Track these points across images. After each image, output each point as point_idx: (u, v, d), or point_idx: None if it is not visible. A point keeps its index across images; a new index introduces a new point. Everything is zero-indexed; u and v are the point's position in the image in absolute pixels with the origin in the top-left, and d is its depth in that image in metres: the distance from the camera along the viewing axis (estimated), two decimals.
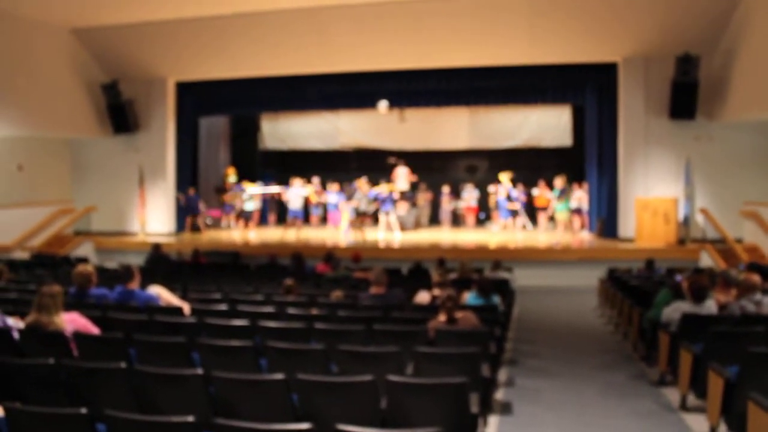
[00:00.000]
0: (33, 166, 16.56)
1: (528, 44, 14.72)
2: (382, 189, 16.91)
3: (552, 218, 17.48)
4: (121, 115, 16.92)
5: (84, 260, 11.78)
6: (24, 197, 15.99)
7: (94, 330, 5.42)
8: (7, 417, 3.47)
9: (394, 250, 14.56)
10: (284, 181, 18.11)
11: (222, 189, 19.16)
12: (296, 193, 16.63)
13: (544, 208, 17.42)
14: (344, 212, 16.79)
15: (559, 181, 15.58)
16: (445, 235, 17.34)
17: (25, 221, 15.87)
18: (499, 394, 6.33)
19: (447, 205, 19.22)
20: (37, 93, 14.94)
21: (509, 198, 17.33)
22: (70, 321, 5.30)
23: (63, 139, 17.44)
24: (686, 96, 14.12)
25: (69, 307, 5.63)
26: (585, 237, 16.15)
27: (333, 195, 17.62)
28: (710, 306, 6.42)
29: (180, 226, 17.55)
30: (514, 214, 17.54)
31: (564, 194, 16.25)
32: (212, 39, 15.57)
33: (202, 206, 18.01)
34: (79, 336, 5.18)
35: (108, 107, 16.88)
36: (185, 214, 17.60)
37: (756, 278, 6.61)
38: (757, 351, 4.77)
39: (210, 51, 15.97)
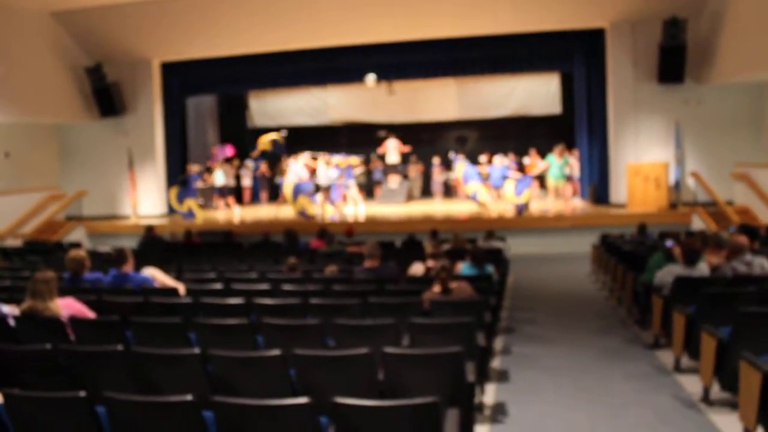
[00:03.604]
0: (20, 153, 16.43)
1: (514, 12, 14.63)
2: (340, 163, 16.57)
3: (543, 185, 17.50)
4: (106, 98, 16.77)
5: (77, 245, 11.74)
6: (13, 185, 15.87)
7: (90, 314, 5.42)
8: (7, 403, 3.48)
9: (387, 223, 14.57)
10: (274, 160, 18.06)
11: (210, 169, 19.04)
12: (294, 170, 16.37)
13: (536, 177, 17.41)
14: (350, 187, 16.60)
15: (558, 150, 15.48)
16: (437, 207, 17.36)
17: (16, 208, 15.79)
18: (496, 362, 6.39)
19: (438, 176, 19.22)
20: (20, 79, 14.75)
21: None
22: (66, 306, 5.30)
23: (50, 124, 17.29)
24: (674, 60, 14.09)
25: (63, 292, 5.63)
26: (577, 204, 16.18)
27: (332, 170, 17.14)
28: (702, 268, 6.47)
29: (172, 208, 17.46)
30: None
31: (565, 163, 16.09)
32: (196, 18, 15.39)
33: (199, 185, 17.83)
34: (75, 320, 5.18)
35: (93, 91, 16.71)
36: (188, 193, 17.32)
37: (743, 239, 6.65)
38: (749, 311, 4.83)
39: (194, 30, 15.79)
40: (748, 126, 14.42)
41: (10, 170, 15.95)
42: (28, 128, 16.61)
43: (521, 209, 14.29)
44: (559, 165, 15.39)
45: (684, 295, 5.99)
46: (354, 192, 16.65)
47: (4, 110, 14.45)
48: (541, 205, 15.97)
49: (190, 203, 16.25)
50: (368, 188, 19.36)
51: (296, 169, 15.72)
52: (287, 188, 15.52)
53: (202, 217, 16.03)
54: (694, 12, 13.86)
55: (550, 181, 15.80)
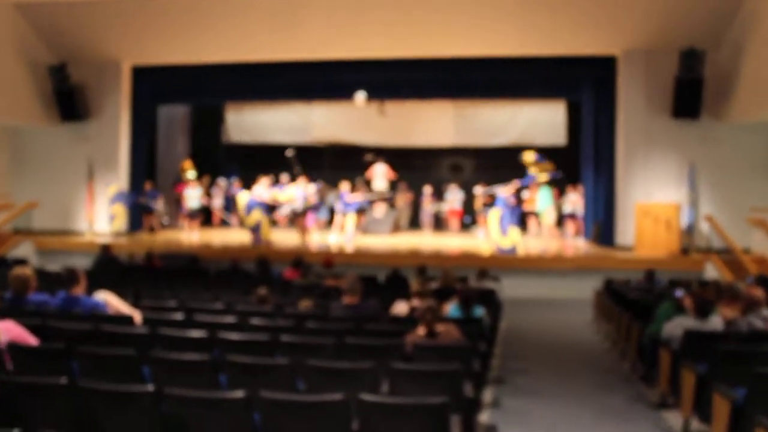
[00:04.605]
0: None
1: (520, 34, 14.79)
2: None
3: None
4: (69, 101, 16.73)
5: (23, 262, 11.58)
6: None
7: (32, 340, 5.31)
8: None
9: (369, 256, 14.53)
10: (249, 178, 17.99)
11: (180, 183, 18.98)
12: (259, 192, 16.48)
13: (536, 213, 17.49)
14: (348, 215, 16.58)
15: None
16: (426, 240, 17.34)
17: None
18: (484, 416, 6.31)
19: (428, 207, 19.23)
20: None
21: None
22: (5, 330, 5.18)
23: (2, 126, 17.18)
24: (690, 93, 14.27)
25: (4, 314, 5.54)
26: (580, 244, 16.22)
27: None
28: (715, 322, 6.45)
29: (134, 225, 17.35)
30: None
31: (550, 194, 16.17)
32: (174, 20, 15.43)
33: (159, 203, 17.81)
34: (14, 347, 5.07)
35: (55, 92, 16.67)
36: (142, 211, 17.44)
37: (759, 293, 6.65)
38: (766, 372, 4.79)
39: (171, 33, 15.83)
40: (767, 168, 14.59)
41: None
42: None
43: (510, 252, 14.25)
44: (543, 196, 15.34)
45: (695, 351, 5.95)
46: (350, 222, 16.61)
47: None
48: (540, 243, 16.00)
49: (118, 211, 16.29)
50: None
51: (259, 190, 15.93)
52: (241, 200, 15.91)
53: (116, 230, 16.39)
54: (714, 43, 14.08)
55: (542, 217, 15.80)
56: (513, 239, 14.26)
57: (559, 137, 19.21)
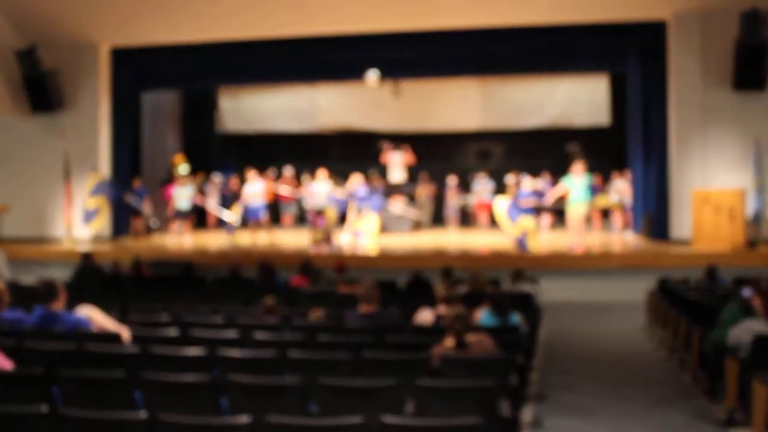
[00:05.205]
0: None
1: None
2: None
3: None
4: (40, 89, 16.82)
5: None
6: None
7: (6, 364, 5.36)
8: None
9: (388, 258, 14.54)
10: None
11: (170, 182, 19.07)
12: (252, 189, 16.53)
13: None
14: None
15: (578, 168, 14.98)
16: (451, 238, 17.35)
17: None
18: None
19: (453, 200, 19.22)
20: None
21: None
22: None
23: None
24: (754, 61, 14.15)
25: None
26: (628, 239, 16.14)
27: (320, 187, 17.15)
28: None
29: (118, 230, 17.42)
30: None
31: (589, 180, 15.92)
32: None
33: (147, 204, 17.86)
34: None
35: (23, 79, 16.76)
36: (129, 213, 17.53)
37: None
38: None
39: (155, 8, 15.88)
40: None
41: None
42: None
43: (522, 245, 14.27)
44: (582, 184, 14.87)
45: (767, 359, 5.92)
46: (368, 222, 16.63)
47: None
48: (573, 239, 15.92)
49: (100, 204, 16.43)
50: None
51: (251, 187, 16.32)
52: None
53: (97, 230, 16.52)
54: None
55: (571, 208, 15.29)
56: (523, 226, 14.24)
57: (601, 116, 19.17)
